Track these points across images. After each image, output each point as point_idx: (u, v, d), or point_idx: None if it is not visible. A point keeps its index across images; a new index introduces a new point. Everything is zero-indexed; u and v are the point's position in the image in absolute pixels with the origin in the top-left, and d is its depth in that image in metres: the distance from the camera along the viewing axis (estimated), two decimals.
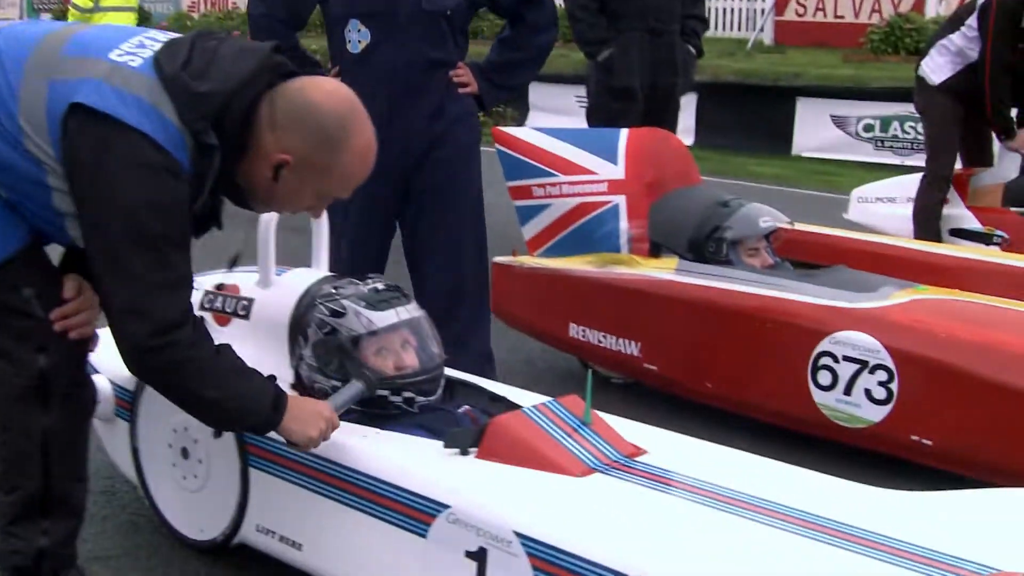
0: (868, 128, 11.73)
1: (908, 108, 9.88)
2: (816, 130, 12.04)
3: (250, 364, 2.54)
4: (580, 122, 7.07)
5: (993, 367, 3.59)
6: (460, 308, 3.91)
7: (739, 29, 16.27)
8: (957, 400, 3.64)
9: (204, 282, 3.16)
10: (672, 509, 2.39)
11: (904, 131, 11.38)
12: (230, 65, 2.33)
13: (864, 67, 12.75)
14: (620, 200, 4.55)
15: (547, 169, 4.64)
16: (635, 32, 5.92)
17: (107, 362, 3.30)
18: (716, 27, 16.40)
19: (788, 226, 4.45)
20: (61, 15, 15.97)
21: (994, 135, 6.15)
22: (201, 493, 3.10)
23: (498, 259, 4.74)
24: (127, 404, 3.26)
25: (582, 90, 7.39)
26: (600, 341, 4.54)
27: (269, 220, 3.05)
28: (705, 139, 12.48)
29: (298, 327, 2.93)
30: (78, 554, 2.78)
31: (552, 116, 12.88)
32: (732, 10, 16.15)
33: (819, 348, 3.89)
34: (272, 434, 2.66)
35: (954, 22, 6.04)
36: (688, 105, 12.33)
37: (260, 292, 3.07)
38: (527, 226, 4.74)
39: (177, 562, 3.16)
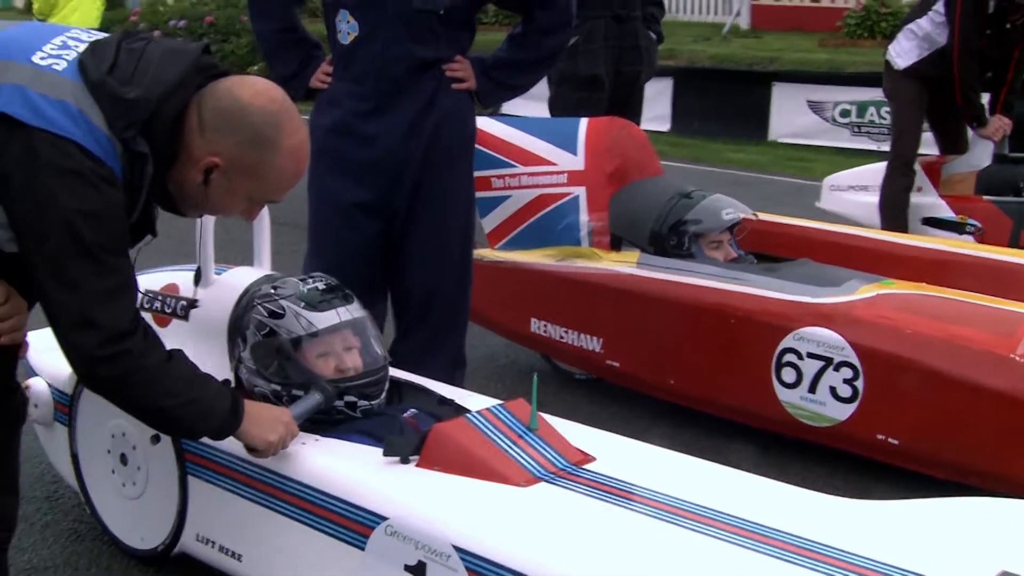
0: (845, 113, 11.64)
1: None
2: (792, 116, 11.93)
3: None
4: None
5: (960, 364, 3.51)
6: (436, 309, 3.72)
7: (715, 13, 16.20)
8: (924, 398, 3.57)
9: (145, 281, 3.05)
10: (619, 521, 2.30)
11: (881, 117, 11.27)
12: (158, 69, 2.23)
13: (840, 52, 12.70)
14: (580, 192, 4.45)
15: (506, 159, 4.55)
16: (600, 19, 5.82)
17: (46, 365, 3.22)
18: (692, 11, 16.34)
19: (752, 217, 4.37)
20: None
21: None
22: (141, 501, 3.02)
23: None
24: (65, 408, 3.16)
25: None
26: (562, 337, 4.45)
27: (208, 217, 2.94)
28: (681, 125, 12.42)
29: (237, 329, 2.84)
30: (12, 565, 2.69)
31: (529, 102, 12.71)
32: None
33: (783, 344, 3.82)
34: (210, 441, 2.58)
35: (922, 7, 5.98)
36: (664, 91, 12.27)
37: (199, 292, 2.97)
38: (487, 218, 4.64)
39: (118, 572, 3.09)
